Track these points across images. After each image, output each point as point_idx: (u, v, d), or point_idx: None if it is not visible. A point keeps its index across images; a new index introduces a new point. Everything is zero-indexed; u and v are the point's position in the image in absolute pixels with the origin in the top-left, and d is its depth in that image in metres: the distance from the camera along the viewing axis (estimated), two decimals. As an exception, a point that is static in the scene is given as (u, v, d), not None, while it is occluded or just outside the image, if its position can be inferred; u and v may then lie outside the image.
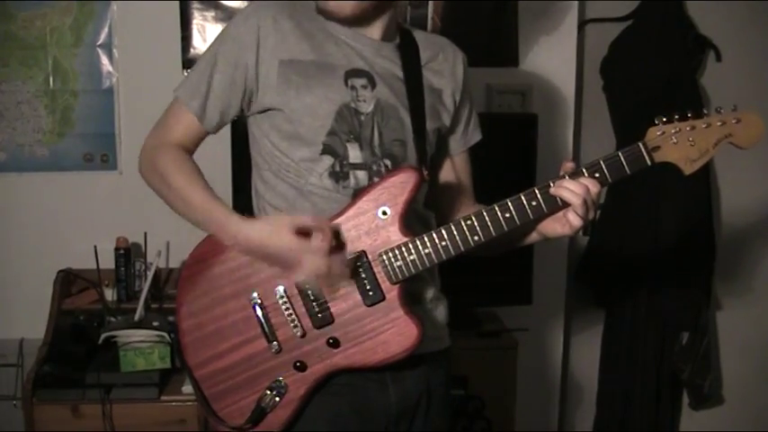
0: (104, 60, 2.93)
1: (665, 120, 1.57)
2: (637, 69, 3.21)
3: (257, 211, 1.75)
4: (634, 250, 3.24)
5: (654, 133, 1.58)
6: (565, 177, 1.57)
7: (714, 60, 3.34)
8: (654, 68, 3.20)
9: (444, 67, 1.76)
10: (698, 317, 3.33)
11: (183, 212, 1.65)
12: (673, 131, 1.57)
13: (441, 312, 1.75)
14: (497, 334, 2.94)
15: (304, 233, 1.49)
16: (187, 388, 2.49)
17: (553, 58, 3.14)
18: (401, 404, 1.69)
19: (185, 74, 2.92)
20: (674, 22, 3.24)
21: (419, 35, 1.78)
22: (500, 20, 3.08)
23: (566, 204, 1.58)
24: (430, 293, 1.72)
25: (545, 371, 3.30)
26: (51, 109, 2.93)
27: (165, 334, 2.57)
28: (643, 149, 1.57)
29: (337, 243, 1.55)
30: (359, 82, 1.65)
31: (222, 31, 1.70)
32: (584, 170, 1.58)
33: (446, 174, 1.84)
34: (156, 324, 2.61)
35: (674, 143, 1.57)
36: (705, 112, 1.58)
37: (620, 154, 1.58)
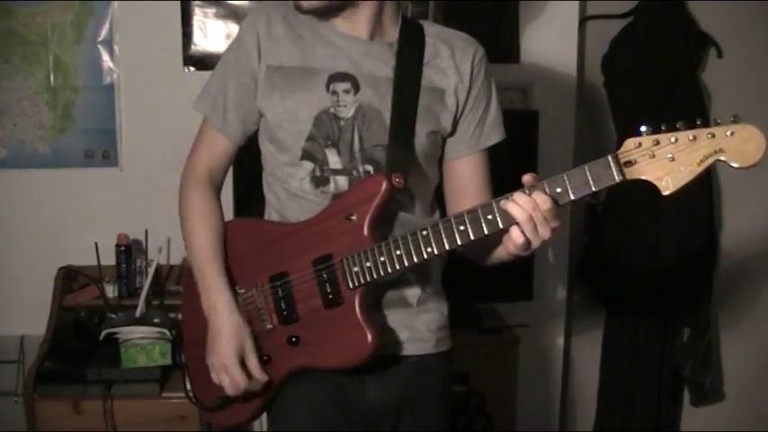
0: (105, 57, 2.93)
1: (652, 129, 1.35)
2: (638, 66, 3.20)
3: (266, 210, 1.77)
4: (635, 246, 3.24)
5: (630, 145, 1.35)
6: (523, 191, 1.44)
7: (715, 57, 3.34)
8: (655, 65, 3.20)
9: (449, 65, 1.68)
10: (699, 313, 3.33)
11: (188, 253, 1.75)
12: (651, 144, 1.33)
13: (431, 315, 1.72)
14: (498, 330, 2.94)
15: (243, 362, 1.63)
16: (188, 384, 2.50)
17: (554, 54, 3.14)
18: (380, 404, 1.68)
19: (186, 71, 2.94)
20: (675, 19, 3.24)
21: (431, 30, 1.72)
22: (501, 17, 3.08)
23: None
24: (416, 296, 1.69)
25: (546, 367, 3.30)
26: (52, 105, 2.93)
27: (165, 330, 2.57)
28: (612, 163, 1.36)
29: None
30: (341, 86, 1.63)
31: (231, 41, 1.74)
32: (545, 185, 1.43)
33: (451, 176, 1.76)
34: (156, 321, 2.61)
35: (652, 157, 1.34)
36: (698, 122, 1.34)
37: (585, 168, 1.39)
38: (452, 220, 1.49)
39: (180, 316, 1.88)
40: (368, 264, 1.55)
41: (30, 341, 2.83)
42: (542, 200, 1.41)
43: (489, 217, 1.46)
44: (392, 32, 1.69)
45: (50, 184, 2.96)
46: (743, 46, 3.33)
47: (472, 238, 1.47)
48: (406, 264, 1.53)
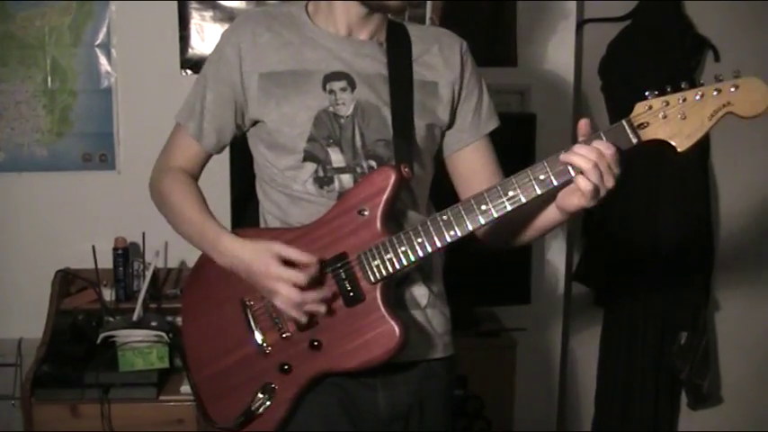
0: (103, 60, 2.93)
1: (657, 93, 1.43)
2: (635, 69, 3.20)
3: (261, 218, 1.76)
4: (633, 249, 3.24)
5: (641, 108, 1.43)
6: (582, 142, 1.44)
7: (713, 61, 3.34)
8: (652, 68, 3.20)
9: (438, 60, 1.71)
10: (696, 316, 3.33)
11: (180, 230, 1.72)
12: (661, 105, 1.41)
13: (438, 319, 1.72)
14: (496, 334, 2.94)
15: (291, 263, 1.55)
16: (185, 388, 2.50)
17: (552, 57, 3.15)
18: (390, 410, 1.67)
19: (183, 74, 2.95)
20: (673, 23, 3.25)
21: (414, 29, 1.75)
22: (499, 20, 3.09)
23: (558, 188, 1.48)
24: (425, 300, 1.70)
25: (544, 370, 3.30)
26: (50, 109, 2.93)
27: (163, 334, 2.57)
28: (627, 127, 1.43)
29: (320, 277, 1.57)
30: (338, 85, 1.64)
31: (213, 49, 1.74)
32: (602, 134, 1.44)
33: (464, 166, 1.78)
34: (154, 324, 2.61)
35: (664, 118, 1.41)
36: (702, 82, 1.42)
37: (601, 134, 1.44)
38: (472, 201, 1.50)
39: (182, 339, 1.79)
40: (388, 255, 1.55)
41: (27, 344, 2.83)
42: (605, 146, 1.42)
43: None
44: (381, 32, 1.71)
45: (48, 188, 2.96)
46: (740, 49, 3.33)
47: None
48: (429, 250, 1.53)
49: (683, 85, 1.41)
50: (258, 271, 1.56)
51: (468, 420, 2.82)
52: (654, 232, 3.25)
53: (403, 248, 1.54)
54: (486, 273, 2.60)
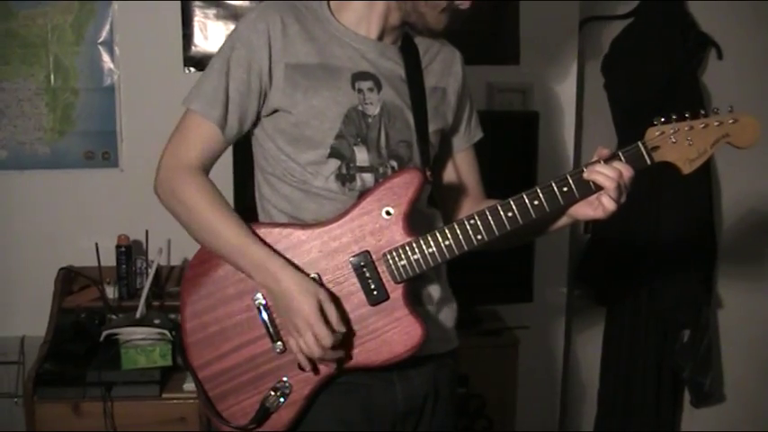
0: (105, 58, 2.93)
1: (663, 120, 1.58)
2: (638, 67, 3.21)
3: (261, 212, 1.74)
4: (635, 248, 3.24)
5: (653, 133, 1.58)
6: (599, 162, 1.58)
7: (715, 58, 3.34)
8: (655, 66, 3.20)
9: (443, 68, 1.77)
10: (699, 314, 3.33)
11: (209, 243, 1.64)
12: (671, 131, 1.58)
13: (448, 314, 1.75)
14: (498, 332, 2.94)
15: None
16: (188, 386, 2.50)
17: (554, 56, 3.14)
18: (408, 403, 1.69)
19: (186, 72, 2.94)
20: (676, 20, 3.25)
21: (416, 38, 1.76)
22: (501, 18, 3.08)
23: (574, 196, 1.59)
24: (437, 295, 1.72)
25: (546, 369, 3.30)
26: (52, 107, 2.93)
27: (166, 332, 2.57)
28: (643, 149, 1.58)
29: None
30: (365, 84, 1.65)
31: (230, 36, 1.68)
32: (620, 155, 1.58)
33: (453, 171, 1.84)
34: (157, 322, 2.61)
35: (673, 143, 1.58)
36: (702, 112, 1.60)
37: (620, 153, 1.58)
38: (498, 206, 1.58)
39: (183, 336, 1.72)
40: (415, 256, 1.58)
41: (30, 342, 2.83)
42: (625, 168, 1.57)
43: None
44: (400, 38, 1.73)
45: (51, 186, 2.96)
46: (743, 47, 3.33)
47: (520, 222, 1.58)
48: (457, 252, 1.59)
49: (686, 114, 1.59)
50: (297, 309, 1.54)
51: (470, 419, 2.82)
52: (656, 230, 3.25)
53: (431, 250, 1.58)
54: (489, 271, 2.59)
